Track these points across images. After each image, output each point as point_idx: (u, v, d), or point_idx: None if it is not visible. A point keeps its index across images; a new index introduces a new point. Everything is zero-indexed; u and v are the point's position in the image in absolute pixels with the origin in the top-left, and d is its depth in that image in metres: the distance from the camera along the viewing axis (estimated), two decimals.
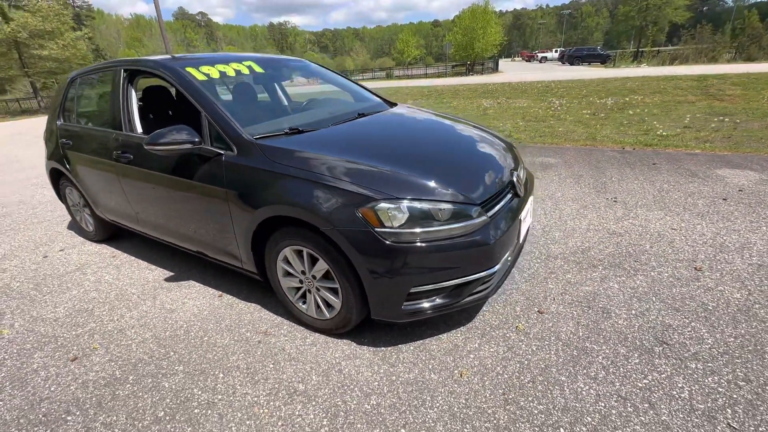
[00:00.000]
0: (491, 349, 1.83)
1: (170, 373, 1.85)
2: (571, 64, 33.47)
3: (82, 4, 62.40)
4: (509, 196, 1.99)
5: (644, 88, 11.39)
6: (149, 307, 2.41)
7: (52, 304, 2.52)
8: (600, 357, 1.73)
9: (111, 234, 3.34)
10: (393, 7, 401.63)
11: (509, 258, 2.01)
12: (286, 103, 3.30)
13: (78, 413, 1.67)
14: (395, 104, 3.04)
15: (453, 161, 1.99)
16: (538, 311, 2.07)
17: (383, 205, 1.61)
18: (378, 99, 3.10)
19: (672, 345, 1.77)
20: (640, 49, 38.34)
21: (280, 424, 1.54)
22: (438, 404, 1.57)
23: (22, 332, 2.26)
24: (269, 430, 1.52)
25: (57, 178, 3.36)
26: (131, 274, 2.84)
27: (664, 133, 5.75)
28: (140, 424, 1.59)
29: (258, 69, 2.63)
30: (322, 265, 1.82)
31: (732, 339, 1.78)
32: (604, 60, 31.24)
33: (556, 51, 46.15)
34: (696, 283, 2.19)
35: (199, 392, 1.73)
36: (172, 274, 2.79)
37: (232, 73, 2.44)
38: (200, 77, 2.25)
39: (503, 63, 50.01)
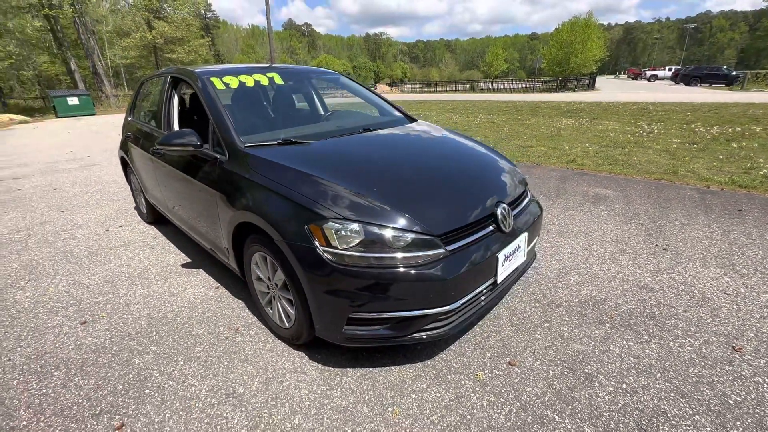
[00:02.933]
0: (437, 394, 1.68)
1: (144, 352, 2.04)
2: (687, 84, 29.34)
3: (210, 16, 72.48)
4: (489, 229, 1.82)
5: None
6: (158, 288, 2.68)
7: (92, 272, 2.95)
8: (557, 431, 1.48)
9: (158, 217, 3.79)
10: (489, 19, 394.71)
11: (483, 298, 1.84)
12: (321, 112, 3.44)
13: (63, 371, 1.92)
14: (414, 120, 2.99)
15: (426, 186, 1.87)
16: (509, 362, 1.84)
17: (332, 224, 1.59)
18: (399, 114, 3.08)
19: None
20: None
21: (205, 422, 1.60)
22: None
23: (61, 292, 2.68)
24: (194, 425, 1.58)
25: (125, 165, 3.93)
26: (159, 255, 3.20)
27: None
28: (101, 392, 1.77)
29: (279, 81, 2.79)
30: (281, 275, 1.85)
31: None
32: (730, 81, 26.75)
33: (669, 69, 40.86)
34: (725, 367, 1.75)
35: (158, 375, 1.87)
36: (189, 260, 3.08)
37: (251, 83, 2.62)
38: (219, 86, 2.46)
39: (603, 80, 45.90)
